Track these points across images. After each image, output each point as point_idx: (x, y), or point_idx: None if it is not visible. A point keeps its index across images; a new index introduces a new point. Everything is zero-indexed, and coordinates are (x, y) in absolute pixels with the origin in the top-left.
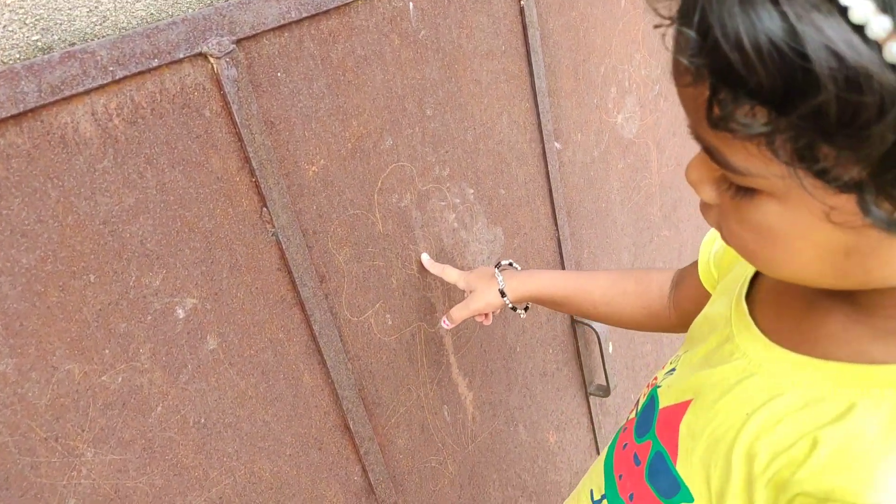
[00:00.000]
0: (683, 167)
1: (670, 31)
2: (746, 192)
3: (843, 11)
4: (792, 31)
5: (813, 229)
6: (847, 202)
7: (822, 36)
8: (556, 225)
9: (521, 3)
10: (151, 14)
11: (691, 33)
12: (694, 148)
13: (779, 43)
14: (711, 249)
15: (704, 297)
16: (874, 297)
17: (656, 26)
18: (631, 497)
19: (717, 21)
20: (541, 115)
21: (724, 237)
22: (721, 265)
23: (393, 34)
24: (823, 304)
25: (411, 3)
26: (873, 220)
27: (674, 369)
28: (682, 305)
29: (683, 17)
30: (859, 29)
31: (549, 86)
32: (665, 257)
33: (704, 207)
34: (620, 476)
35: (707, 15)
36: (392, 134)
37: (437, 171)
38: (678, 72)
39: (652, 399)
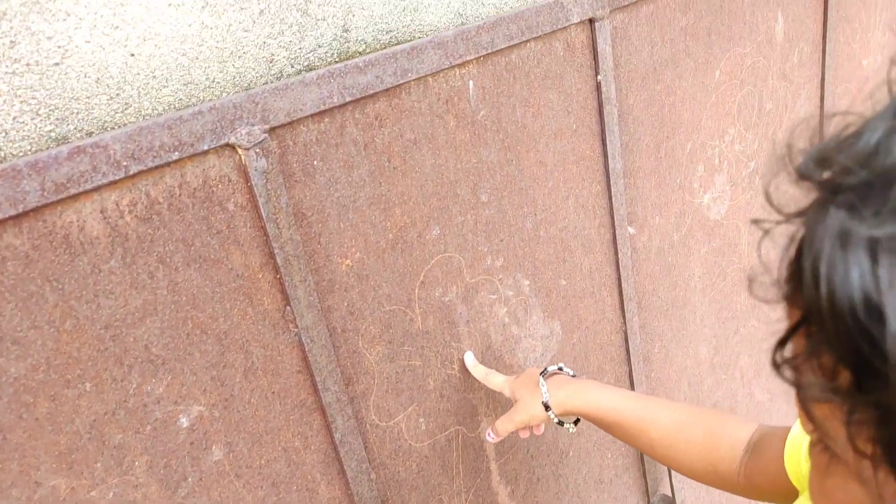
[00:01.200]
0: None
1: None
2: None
3: None
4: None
5: None
6: None
7: None
8: (624, 317)
9: (598, 77)
10: (180, 100)
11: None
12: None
13: (868, 300)
14: (804, 442)
15: (782, 478)
16: None
17: (755, 221)
18: None
19: (809, 258)
20: (613, 199)
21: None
22: None
23: (448, 115)
24: None
25: (471, 82)
26: None
27: None
28: (755, 478)
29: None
30: None
31: (626, 166)
32: (751, 350)
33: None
34: None
35: (805, 245)
36: (440, 223)
37: (488, 261)
38: (783, 293)
39: None
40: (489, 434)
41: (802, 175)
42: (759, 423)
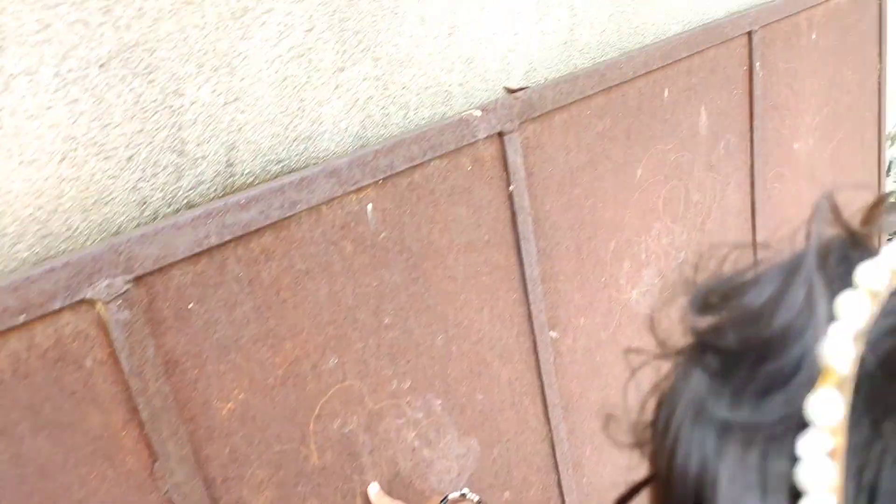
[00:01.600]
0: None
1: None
2: None
3: None
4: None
5: None
6: None
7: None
8: (550, 424)
9: (510, 188)
10: (37, 254)
11: None
12: None
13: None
14: None
15: None
16: None
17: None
18: None
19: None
20: (531, 305)
21: None
22: None
23: (345, 241)
24: None
25: (370, 206)
26: None
27: None
28: None
29: None
30: None
31: (544, 271)
32: None
33: None
34: None
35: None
36: (337, 351)
37: (394, 385)
38: None
39: None
40: None
41: (684, 312)
42: None
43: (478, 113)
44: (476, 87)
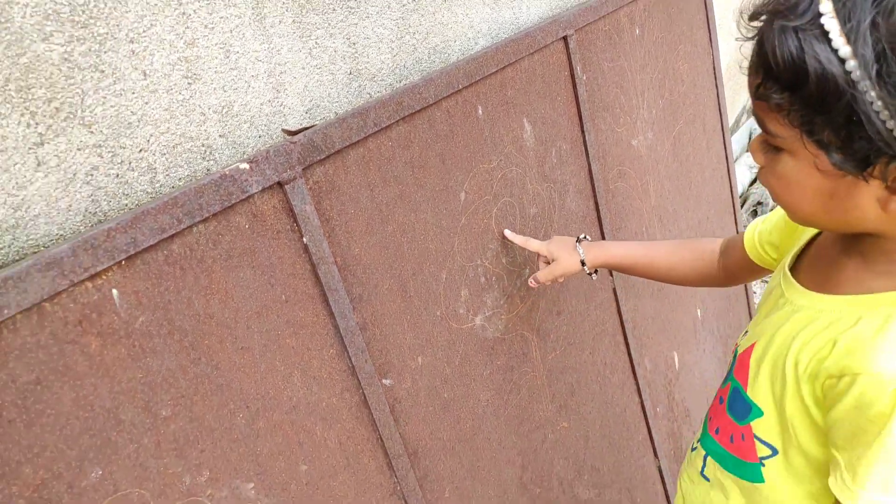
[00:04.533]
0: (572, 346)
1: None
2: (777, 151)
3: (829, 41)
4: (801, 49)
5: (810, 176)
6: (825, 156)
7: (814, 53)
8: (396, 476)
9: (305, 240)
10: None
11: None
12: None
13: (794, 55)
14: (754, 233)
15: (747, 262)
16: (872, 250)
17: (743, 39)
18: (717, 431)
19: (766, 41)
20: (353, 357)
21: (766, 187)
22: (773, 243)
23: (87, 336)
24: (841, 259)
25: (115, 291)
26: (836, 166)
27: (747, 331)
28: (730, 269)
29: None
30: (835, 51)
31: (362, 320)
32: (566, 452)
33: (760, 173)
34: (710, 418)
35: (763, 38)
36: (100, 462)
37: (187, 481)
38: (749, 73)
39: (734, 356)
40: (531, 281)
41: (752, 16)
42: (722, 238)
43: (244, 166)
44: (244, 135)
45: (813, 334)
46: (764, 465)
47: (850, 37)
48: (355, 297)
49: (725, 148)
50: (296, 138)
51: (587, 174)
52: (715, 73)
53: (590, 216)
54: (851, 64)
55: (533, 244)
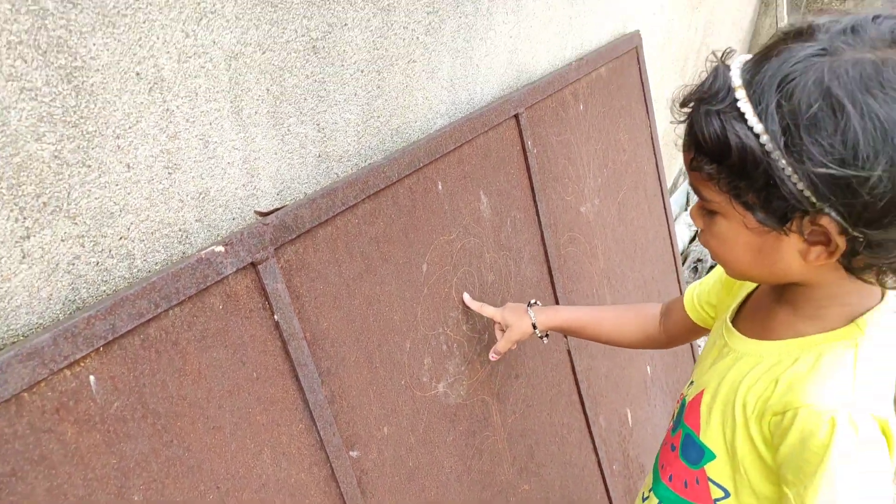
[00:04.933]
0: (531, 408)
1: None
2: (712, 214)
3: (746, 121)
4: (723, 128)
5: (740, 234)
6: (751, 215)
7: (735, 131)
8: None
9: (276, 317)
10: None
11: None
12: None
13: (718, 133)
14: (693, 294)
15: (687, 323)
16: (800, 298)
17: (676, 122)
18: (671, 478)
19: (695, 123)
20: (321, 431)
21: (705, 247)
22: (711, 303)
23: (64, 424)
24: (774, 307)
25: (92, 378)
26: (761, 223)
27: (692, 381)
28: (670, 330)
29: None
30: (751, 129)
31: (331, 393)
32: None
33: (700, 235)
34: (663, 466)
35: (692, 121)
36: None
37: None
38: (683, 149)
39: (682, 405)
40: (493, 354)
41: (682, 103)
42: (662, 302)
43: (220, 249)
44: (219, 218)
45: (757, 377)
46: None
47: (762, 116)
48: (324, 370)
49: (665, 210)
50: (268, 219)
51: (540, 241)
52: (653, 142)
53: (544, 281)
54: (764, 138)
55: (487, 310)
